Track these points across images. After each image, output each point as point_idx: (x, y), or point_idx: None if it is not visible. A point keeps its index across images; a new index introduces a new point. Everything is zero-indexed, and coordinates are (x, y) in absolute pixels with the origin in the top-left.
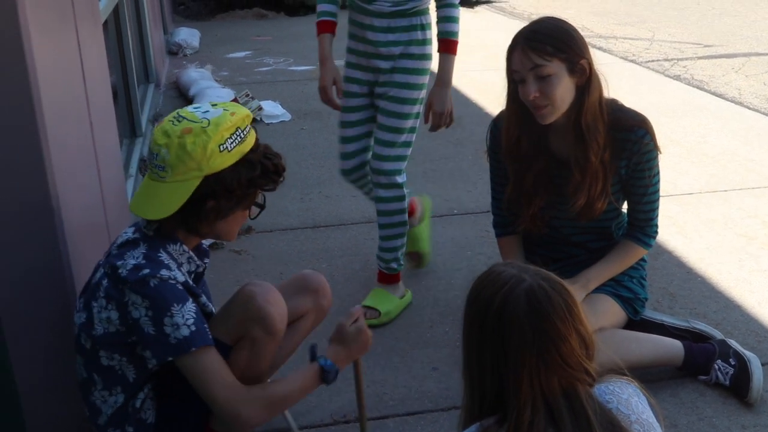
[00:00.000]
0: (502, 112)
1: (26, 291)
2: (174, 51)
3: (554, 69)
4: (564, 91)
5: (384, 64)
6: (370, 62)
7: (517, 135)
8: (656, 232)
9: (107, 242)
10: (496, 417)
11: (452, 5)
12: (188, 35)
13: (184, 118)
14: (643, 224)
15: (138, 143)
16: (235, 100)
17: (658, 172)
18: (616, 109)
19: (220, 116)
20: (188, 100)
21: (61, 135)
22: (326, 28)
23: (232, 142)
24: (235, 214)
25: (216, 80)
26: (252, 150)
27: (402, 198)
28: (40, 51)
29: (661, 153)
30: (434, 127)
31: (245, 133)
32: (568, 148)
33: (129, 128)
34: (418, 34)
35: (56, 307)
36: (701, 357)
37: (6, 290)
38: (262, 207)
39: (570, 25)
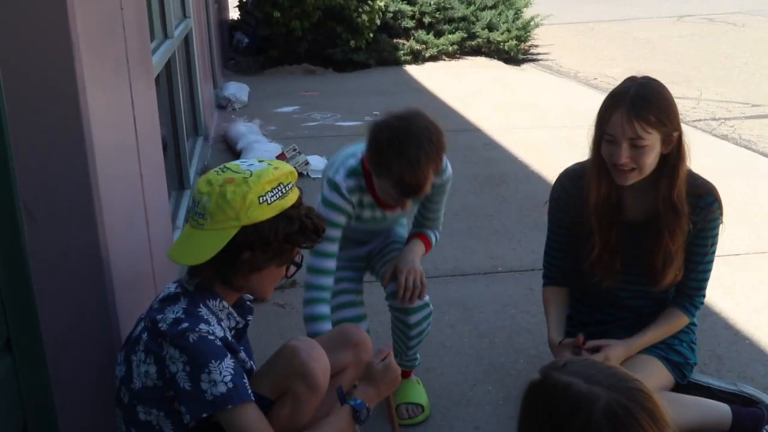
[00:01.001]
0: (569, 169)
1: (73, 339)
2: (223, 105)
3: (652, 141)
4: (653, 159)
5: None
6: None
7: (607, 191)
8: (702, 303)
9: (153, 294)
10: None
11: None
12: (237, 89)
13: (228, 169)
14: (692, 293)
15: (186, 195)
16: (282, 154)
17: (717, 242)
18: (688, 175)
19: (263, 170)
20: (236, 154)
21: (112, 187)
22: None
23: (272, 196)
24: (270, 269)
25: (264, 134)
26: (293, 206)
27: (431, 314)
28: (94, 104)
29: (723, 223)
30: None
31: (287, 189)
32: (645, 212)
33: (177, 180)
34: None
35: (101, 357)
36: (750, 421)
37: (53, 338)
38: (298, 266)
39: (669, 92)
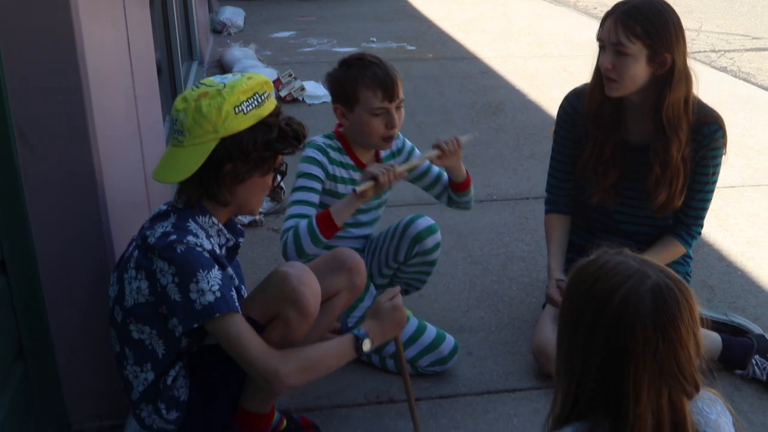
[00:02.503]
0: (578, 87)
1: (67, 261)
2: (218, 29)
3: (634, 51)
4: (636, 73)
5: None
6: None
7: (600, 100)
8: (699, 233)
9: (148, 215)
10: (587, 424)
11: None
12: (233, 14)
13: (203, 84)
14: (690, 221)
15: None
16: (277, 79)
17: (718, 172)
18: (696, 104)
19: (236, 80)
20: None
21: (107, 110)
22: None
23: (248, 105)
24: (254, 179)
25: (259, 59)
26: (270, 114)
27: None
28: (88, 27)
29: (726, 154)
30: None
31: (263, 98)
32: (645, 135)
33: (172, 104)
34: None
35: (94, 278)
36: (739, 351)
37: (47, 258)
38: (283, 174)
39: (674, 15)
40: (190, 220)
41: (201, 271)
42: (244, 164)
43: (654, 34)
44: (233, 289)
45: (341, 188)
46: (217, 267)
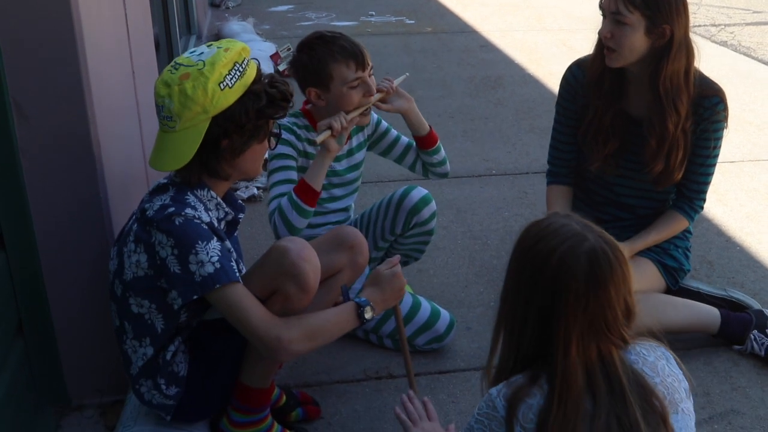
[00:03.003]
0: (580, 58)
1: (65, 235)
2: (216, 3)
3: (632, 20)
4: (634, 44)
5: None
6: None
7: (601, 70)
8: (702, 207)
9: (146, 189)
10: (526, 375)
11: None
12: None
13: (180, 64)
14: (692, 195)
15: None
16: (276, 53)
17: (720, 146)
18: (697, 77)
19: (214, 55)
20: None
21: (104, 85)
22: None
23: (231, 78)
24: (252, 147)
25: (258, 33)
26: (255, 81)
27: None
28: (85, 0)
29: (727, 128)
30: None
31: (244, 66)
32: (644, 107)
33: None
34: None
35: (94, 252)
36: (737, 326)
37: (45, 233)
38: (278, 136)
39: None
40: (188, 194)
41: (200, 242)
42: (239, 137)
43: (653, 4)
44: (233, 260)
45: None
46: (215, 239)
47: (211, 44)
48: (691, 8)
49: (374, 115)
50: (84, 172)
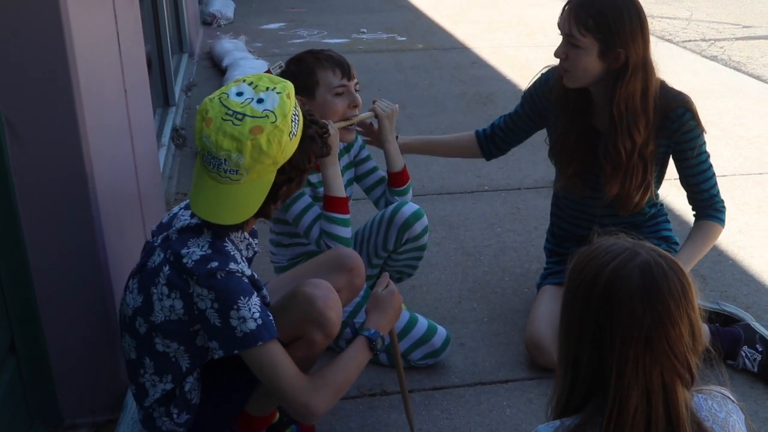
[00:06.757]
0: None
1: (57, 252)
2: (208, 21)
3: (585, 44)
4: (587, 66)
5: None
6: None
7: (564, 88)
8: (724, 207)
9: (138, 210)
10: (579, 417)
11: None
12: (223, 5)
13: (244, 114)
14: (708, 202)
15: (171, 112)
16: (268, 71)
17: (704, 151)
18: (658, 95)
19: (280, 104)
20: (221, 71)
21: (96, 104)
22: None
23: (295, 125)
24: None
25: (249, 51)
26: (306, 124)
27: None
28: (76, 19)
29: (705, 132)
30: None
31: (298, 109)
32: (605, 127)
33: (162, 97)
34: None
35: (86, 271)
36: (726, 342)
37: (38, 251)
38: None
39: (633, 8)
40: (226, 240)
41: (242, 298)
42: (299, 182)
43: (606, 28)
44: (270, 313)
45: (313, 178)
46: (255, 294)
47: (256, 84)
48: (682, 23)
49: (359, 139)
50: (76, 190)
